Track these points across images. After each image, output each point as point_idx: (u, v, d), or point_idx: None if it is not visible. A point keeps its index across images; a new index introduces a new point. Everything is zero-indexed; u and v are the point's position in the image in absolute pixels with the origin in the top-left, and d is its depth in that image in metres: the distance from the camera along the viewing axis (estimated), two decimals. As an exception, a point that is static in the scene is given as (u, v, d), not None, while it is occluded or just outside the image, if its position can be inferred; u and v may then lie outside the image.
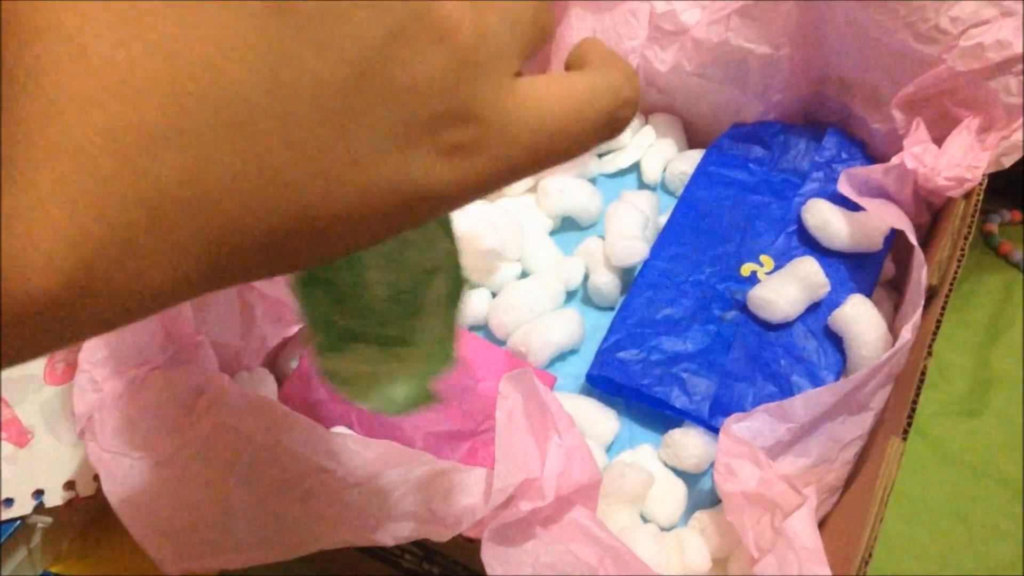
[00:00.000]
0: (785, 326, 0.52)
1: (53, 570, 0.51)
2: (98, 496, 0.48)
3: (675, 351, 0.51)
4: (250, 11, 0.17)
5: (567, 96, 0.22)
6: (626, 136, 0.64)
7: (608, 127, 0.23)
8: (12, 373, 0.50)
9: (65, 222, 0.16)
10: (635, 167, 0.64)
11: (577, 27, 0.59)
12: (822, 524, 0.46)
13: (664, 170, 0.64)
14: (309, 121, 0.18)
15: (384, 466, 0.37)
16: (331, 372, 0.27)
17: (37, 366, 0.51)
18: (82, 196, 0.16)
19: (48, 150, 0.16)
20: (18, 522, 0.47)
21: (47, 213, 0.16)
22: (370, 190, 0.19)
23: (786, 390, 0.50)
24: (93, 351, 0.39)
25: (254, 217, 0.18)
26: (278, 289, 0.47)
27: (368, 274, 0.26)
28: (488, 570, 0.34)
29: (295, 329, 0.50)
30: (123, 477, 0.37)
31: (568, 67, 0.25)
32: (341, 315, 0.26)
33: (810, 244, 0.56)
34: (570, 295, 0.57)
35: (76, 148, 0.16)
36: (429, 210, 0.21)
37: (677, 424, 0.50)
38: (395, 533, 0.35)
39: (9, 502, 0.47)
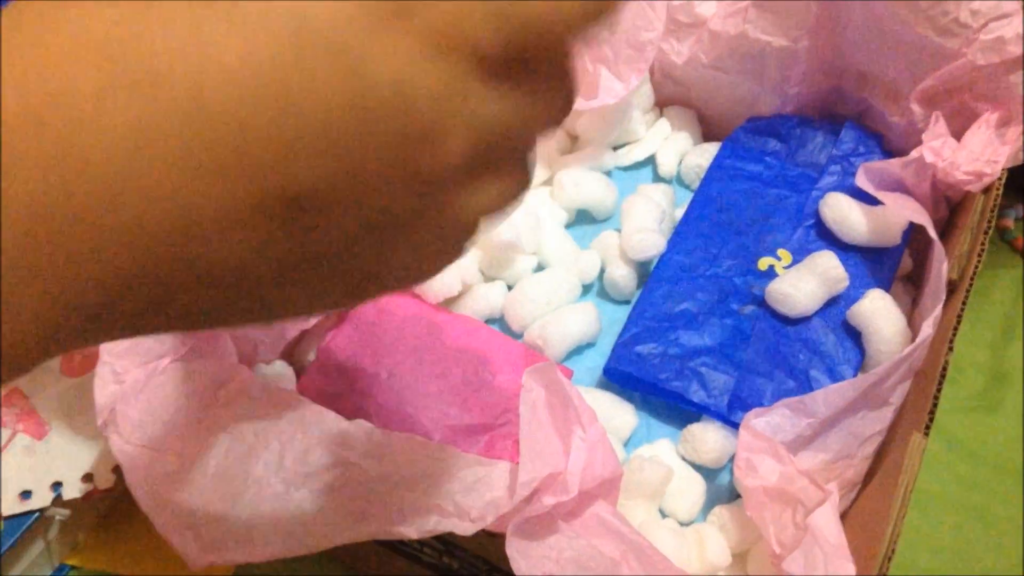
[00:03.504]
0: (803, 320, 0.52)
1: (70, 562, 0.51)
2: (115, 488, 0.48)
3: (693, 345, 0.51)
4: None
5: None
6: (641, 129, 0.64)
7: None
8: (29, 365, 0.50)
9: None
10: (650, 160, 0.64)
11: (594, 19, 0.59)
12: (841, 520, 0.46)
13: (680, 163, 0.63)
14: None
15: (407, 459, 0.37)
16: None
17: (54, 358, 0.51)
18: None
19: None
20: (36, 514, 0.47)
21: None
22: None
23: (804, 385, 0.50)
24: (114, 343, 0.39)
25: None
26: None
27: None
28: (513, 565, 0.34)
29: (313, 321, 0.49)
30: (146, 470, 0.36)
31: None
32: None
33: (828, 238, 0.55)
34: (586, 288, 0.57)
35: None
36: None
37: (695, 418, 0.50)
38: (420, 526, 0.35)
39: (27, 494, 0.47)
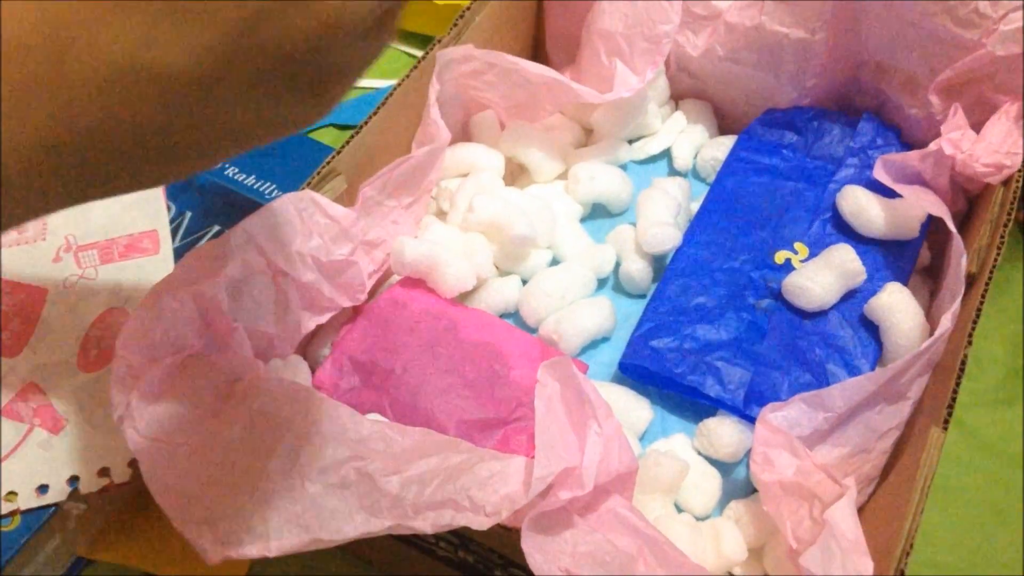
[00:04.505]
0: (820, 314, 0.52)
1: (87, 556, 0.51)
2: (132, 482, 0.48)
3: (709, 339, 0.51)
4: None
5: None
6: (656, 122, 0.64)
7: None
8: (46, 360, 0.51)
9: None
10: (666, 153, 0.64)
11: (609, 12, 0.58)
12: (858, 515, 0.46)
13: (695, 156, 0.63)
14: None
15: (422, 454, 0.37)
16: None
17: (71, 353, 0.51)
18: None
19: None
20: (53, 508, 0.47)
21: None
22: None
23: (821, 379, 0.49)
24: (130, 338, 0.39)
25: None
26: (312, 275, 0.47)
27: None
28: (529, 560, 0.34)
29: (328, 316, 0.49)
30: (163, 465, 0.36)
31: None
32: None
33: (845, 231, 0.55)
34: (601, 282, 0.56)
35: None
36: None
37: (710, 413, 0.50)
38: (435, 521, 0.35)
39: (44, 488, 0.47)
